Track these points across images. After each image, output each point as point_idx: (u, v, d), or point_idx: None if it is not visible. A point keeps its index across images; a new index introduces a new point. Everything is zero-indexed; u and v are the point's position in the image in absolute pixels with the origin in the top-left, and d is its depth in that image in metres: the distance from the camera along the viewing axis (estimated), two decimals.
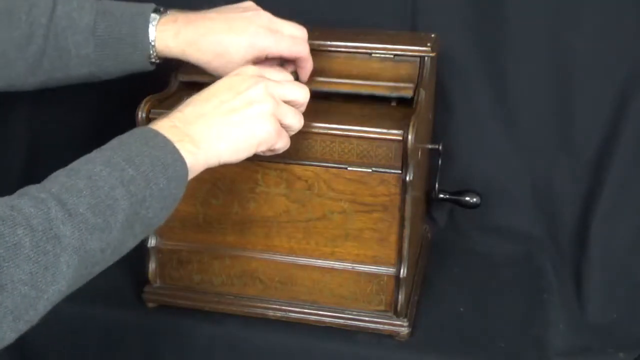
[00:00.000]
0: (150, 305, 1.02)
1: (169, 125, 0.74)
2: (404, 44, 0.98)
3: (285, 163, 0.92)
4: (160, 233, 0.98)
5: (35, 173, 1.25)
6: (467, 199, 1.10)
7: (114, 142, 0.71)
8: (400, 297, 0.94)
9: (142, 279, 1.01)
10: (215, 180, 0.94)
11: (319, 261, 0.96)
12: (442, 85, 1.16)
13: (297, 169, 0.92)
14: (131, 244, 0.69)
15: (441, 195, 1.09)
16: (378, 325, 0.96)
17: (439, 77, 1.10)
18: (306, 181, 0.92)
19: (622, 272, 1.13)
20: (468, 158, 1.23)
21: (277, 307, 0.99)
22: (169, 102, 0.95)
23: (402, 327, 0.96)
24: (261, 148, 0.80)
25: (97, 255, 0.64)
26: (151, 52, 0.89)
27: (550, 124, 1.19)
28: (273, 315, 0.99)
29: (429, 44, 0.98)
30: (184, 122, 0.75)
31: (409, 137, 0.86)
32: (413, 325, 0.97)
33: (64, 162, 1.33)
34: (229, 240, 0.97)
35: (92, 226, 0.63)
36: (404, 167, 0.88)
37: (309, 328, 0.97)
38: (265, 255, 0.97)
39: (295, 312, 0.98)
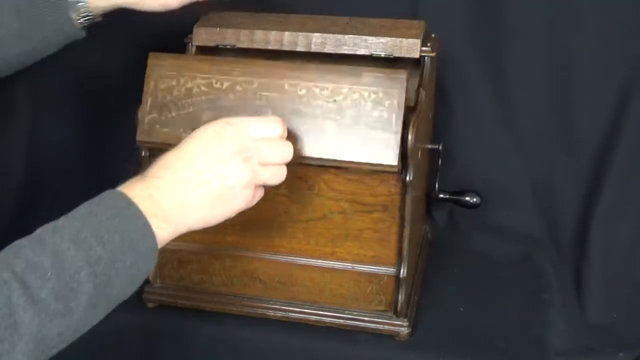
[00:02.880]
0: (150, 305, 1.02)
1: (144, 194, 0.71)
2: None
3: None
4: None
5: (36, 172, 1.26)
6: (467, 199, 1.10)
7: (84, 209, 0.68)
8: (400, 297, 0.94)
9: None
10: None
11: (319, 261, 0.96)
12: (442, 85, 1.16)
13: (298, 169, 0.92)
14: (93, 322, 0.67)
15: (441, 195, 1.09)
16: (378, 325, 0.96)
17: (439, 77, 1.10)
18: (306, 181, 0.92)
19: (622, 272, 1.13)
20: (468, 158, 1.23)
21: (277, 307, 0.98)
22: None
23: (402, 327, 0.96)
24: (235, 213, 0.79)
25: (54, 339, 0.62)
26: (80, 6, 0.88)
27: (550, 124, 1.19)
28: (273, 315, 0.99)
29: (429, 44, 0.99)
30: (160, 191, 0.72)
31: (409, 137, 0.86)
32: (413, 325, 0.97)
33: (64, 161, 1.34)
34: (229, 240, 0.97)
35: (53, 312, 0.61)
36: (404, 167, 0.88)
37: (309, 328, 0.97)
38: (266, 255, 0.97)
39: (295, 312, 0.98)
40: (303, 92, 0.88)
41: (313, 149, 0.87)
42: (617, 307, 1.08)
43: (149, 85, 0.92)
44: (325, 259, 0.95)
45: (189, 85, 0.90)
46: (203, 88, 0.90)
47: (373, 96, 0.86)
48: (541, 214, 1.22)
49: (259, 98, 0.89)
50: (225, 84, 0.89)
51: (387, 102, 0.86)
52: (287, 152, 0.81)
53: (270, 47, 1.01)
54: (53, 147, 1.29)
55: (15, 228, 1.20)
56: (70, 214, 0.68)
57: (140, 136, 0.92)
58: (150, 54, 0.93)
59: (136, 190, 0.71)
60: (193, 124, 0.87)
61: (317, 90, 0.88)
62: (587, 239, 1.15)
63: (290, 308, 0.98)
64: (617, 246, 1.14)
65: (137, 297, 1.02)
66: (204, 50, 1.05)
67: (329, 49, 1.00)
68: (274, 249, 0.96)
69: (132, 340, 1.01)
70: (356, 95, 0.87)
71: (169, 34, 1.18)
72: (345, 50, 0.99)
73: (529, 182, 1.22)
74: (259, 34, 1.01)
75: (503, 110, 1.20)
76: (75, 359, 1.04)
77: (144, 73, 1.27)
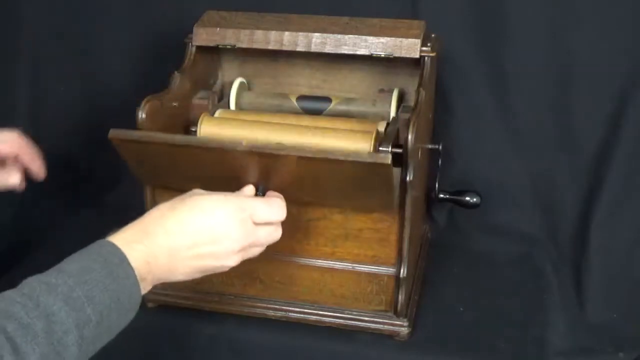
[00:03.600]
0: (150, 305, 1.02)
1: (142, 258, 0.71)
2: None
3: None
4: None
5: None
6: (467, 199, 1.10)
7: (80, 264, 0.68)
8: (400, 297, 0.94)
9: None
10: None
11: (319, 261, 0.96)
12: (442, 85, 1.16)
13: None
14: None
15: (441, 195, 1.09)
16: (378, 325, 0.96)
17: (439, 77, 1.10)
18: None
19: (622, 272, 1.13)
20: (468, 158, 1.23)
21: (277, 307, 0.98)
22: (169, 99, 0.95)
23: (402, 327, 0.96)
24: None
25: None
26: None
27: (550, 124, 1.19)
28: (273, 315, 0.99)
29: (429, 44, 0.99)
30: (156, 258, 0.73)
31: (409, 137, 0.86)
32: (413, 325, 0.97)
33: (64, 161, 1.34)
34: None
35: None
36: (404, 167, 0.88)
37: (309, 328, 0.97)
38: (266, 255, 0.96)
39: (295, 312, 0.98)
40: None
41: (308, 197, 0.86)
42: (617, 307, 1.08)
43: (129, 160, 0.88)
44: (325, 259, 0.95)
45: (165, 157, 0.86)
46: (180, 157, 0.86)
47: (359, 182, 0.82)
48: (541, 214, 1.22)
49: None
50: (197, 153, 0.84)
51: (376, 181, 0.82)
52: (277, 237, 0.83)
53: (270, 47, 1.01)
54: (53, 146, 1.29)
55: (16, 227, 1.21)
56: (65, 268, 0.67)
57: (145, 181, 0.92)
58: (110, 136, 0.84)
59: (135, 253, 0.71)
60: (190, 176, 0.86)
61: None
62: (587, 239, 1.15)
63: (290, 308, 0.98)
64: (617, 246, 1.14)
65: None
66: (204, 50, 1.05)
67: (329, 49, 1.00)
68: (274, 248, 0.96)
69: (132, 340, 1.01)
70: (342, 177, 0.83)
71: (169, 34, 1.18)
72: (345, 50, 0.99)
73: (529, 182, 1.22)
74: (259, 34, 1.01)
75: (503, 110, 1.20)
76: None
77: (145, 72, 1.28)
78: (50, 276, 0.66)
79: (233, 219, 0.77)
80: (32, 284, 0.65)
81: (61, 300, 0.64)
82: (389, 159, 0.79)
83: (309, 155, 0.80)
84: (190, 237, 0.75)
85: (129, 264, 0.70)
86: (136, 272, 0.70)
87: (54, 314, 0.63)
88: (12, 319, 0.61)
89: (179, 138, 0.84)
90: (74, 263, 0.68)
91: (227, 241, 0.77)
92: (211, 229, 0.76)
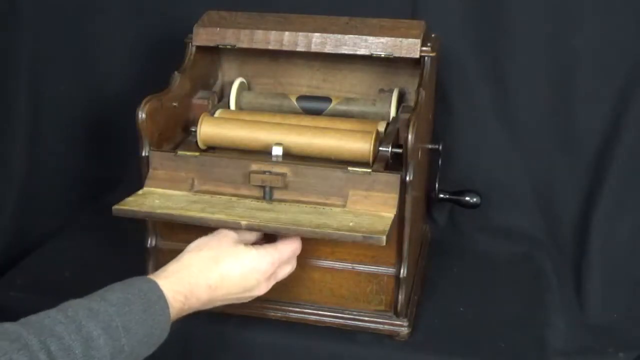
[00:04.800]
0: None
1: (179, 307, 0.78)
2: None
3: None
4: (160, 233, 0.98)
5: (36, 174, 1.26)
6: (467, 199, 1.10)
7: (121, 296, 0.72)
8: (400, 297, 0.94)
9: None
10: None
11: (319, 261, 0.96)
12: (442, 85, 1.16)
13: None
14: None
15: (441, 195, 1.09)
16: (378, 325, 0.96)
17: (439, 77, 1.10)
18: None
19: (622, 272, 1.13)
20: (468, 158, 1.23)
21: (277, 307, 0.98)
22: (169, 99, 0.95)
23: (402, 327, 0.96)
24: None
25: None
26: None
27: (550, 124, 1.19)
28: (273, 315, 0.99)
29: (429, 44, 0.99)
30: (190, 307, 0.80)
31: (409, 137, 0.86)
32: (413, 325, 0.97)
33: (64, 162, 1.33)
34: None
35: None
36: (404, 167, 0.88)
37: (309, 328, 0.97)
38: None
39: (295, 312, 0.98)
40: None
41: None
42: (617, 307, 1.08)
43: None
44: (325, 258, 0.95)
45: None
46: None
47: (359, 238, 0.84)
48: (541, 214, 1.22)
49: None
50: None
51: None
52: (292, 270, 0.90)
53: (270, 47, 1.01)
54: (54, 147, 1.29)
55: (16, 228, 1.21)
56: (107, 297, 0.71)
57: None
58: (114, 213, 0.88)
59: (175, 303, 0.77)
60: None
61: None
62: (587, 239, 1.15)
63: (290, 308, 0.98)
64: (617, 246, 1.14)
65: None
66: (204, 50, 1.05)
67: (329, 49, 1.00)
68: None
69: None
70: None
71: (169, 34, 1.18)
72: (345, 50, 0.99)
73: (529, 182, 1.22)
74: (259, 34, 1.01)
75: (503, 110, 1.20)
76: None
77: (144, 74, 1.28)
78: (92, 302, 0.69)
79: (264, 276, 0.85)
80: (75, 307, 0.68)
81: (101, 327, 0.67)
82: (383, 241, 0.82)
83: (306, 234, 0.85)
84: (227, 289, 0.83)
85: (165, 301, 0.75)
86: (170, 314, 0.75)
87: (93, 339, 0.66)
88: (56, 338, 0.64)
89: (178, 216, 0.87)
90: (116, 293, 0.72)
91: (254, 292, 0.86)
92: (245, 283, 0.84)
